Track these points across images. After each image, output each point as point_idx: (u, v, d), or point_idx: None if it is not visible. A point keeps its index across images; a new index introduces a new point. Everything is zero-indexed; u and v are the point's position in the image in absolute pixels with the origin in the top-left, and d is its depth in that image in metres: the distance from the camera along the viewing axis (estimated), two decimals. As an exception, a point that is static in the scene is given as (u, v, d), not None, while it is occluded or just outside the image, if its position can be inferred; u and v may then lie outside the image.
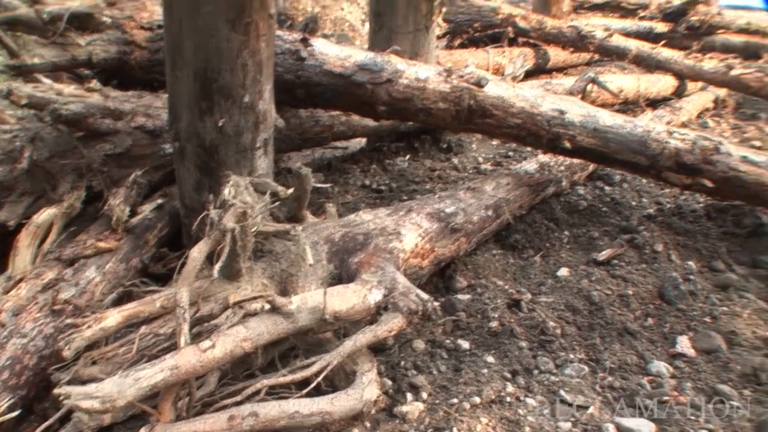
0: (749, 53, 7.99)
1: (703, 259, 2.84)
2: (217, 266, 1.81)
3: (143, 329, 1.86)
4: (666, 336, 2.33)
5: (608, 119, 2.75)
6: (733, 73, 5.09)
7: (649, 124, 2.84)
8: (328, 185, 3.50)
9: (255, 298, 1.76)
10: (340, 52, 2.93)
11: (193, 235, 2.08)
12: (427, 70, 2.91)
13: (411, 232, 2.39)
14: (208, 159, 2.24)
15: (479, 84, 2.72)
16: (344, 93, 2.91)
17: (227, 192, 1.95)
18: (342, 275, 2.24)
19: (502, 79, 2.90)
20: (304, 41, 2.89)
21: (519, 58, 4.10)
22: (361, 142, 4.48)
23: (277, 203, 2.18)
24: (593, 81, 3.47)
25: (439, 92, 2.81)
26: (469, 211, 2.65)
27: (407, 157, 4.18)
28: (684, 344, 2.27)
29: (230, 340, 1.62)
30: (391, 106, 2.90)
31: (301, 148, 3.81)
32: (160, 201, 2.57)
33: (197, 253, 1.86)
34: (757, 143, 4.78)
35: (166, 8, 2.08)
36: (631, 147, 2.73)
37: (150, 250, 2.48)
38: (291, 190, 2.20)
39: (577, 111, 2.74)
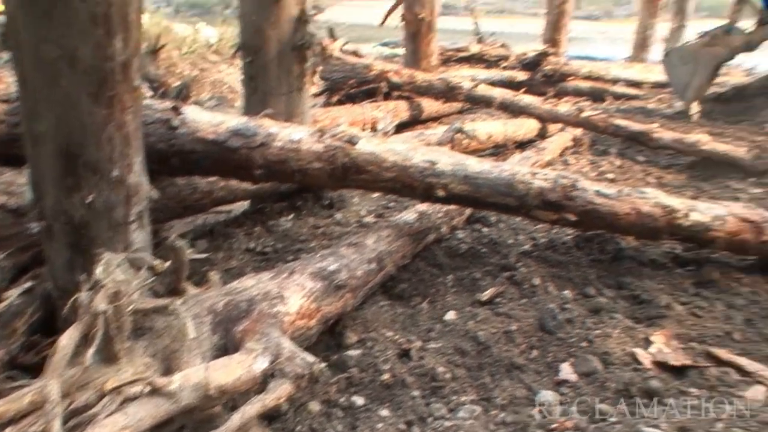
0: (596, 96, 8.90)
1: (577, 287, 3.04)
2: (90, 351, 1.70)
3: (9, 431, 1.70)
4: (550, 365, 2.44)
5: (477, 166, 2.92)
6: (584, 115, 5.61)
7: (514, 167, 3.04)
8: (204, 256, 3.41)
9: (133, 381, 1.67)
10: (212, 119, 2.92)
11: (65, 318, 1.95)
12: (301, 132, 2.96)
13: (295, 294, 2.38)
14: (79, 237, 2.13)
15: (351, 142, 2.80)
16: (219, 159, 2.89)
17: (99, 271, 1.86)
18: (228, 345, 2.18)
19: (373, 135, 3.00)
20: (175, 109, 2.85)
21: (389, 114, 4.26)
22: (244, 204, 4.43)
23: (155, 278, 2.10)
24: (460, 131, 3.68)
25: (313, 152, 2.86)
26: (352, 267, 2.67)
27: (291, 216, 4.17)
28: (566, 370, 2.39)
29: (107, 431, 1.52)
30: (268, 168, 2.91)
31: (181, 216, 3.72)
32: (29, 284, 2.39)
33: (67, 340, 1.74)
34: (611, 175, 5.26)
35: (20, 81, 1.98)
36: (500, 190, 2.90)
37: (19, 339, 2.27)
38: (168, 264, 2.13)
39: (447, 160, 2.89)
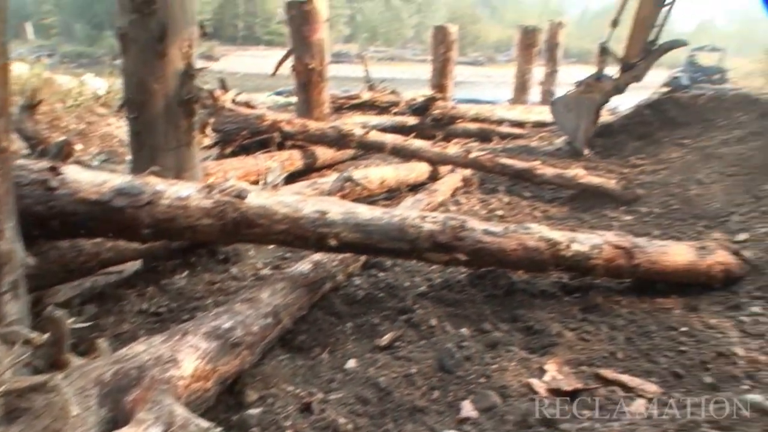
0: (484, 137, 9.38)
1: (473, 324, 3.14)
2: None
3: None
4: (451, 404, 2.49)
5: (367, 213, 2.98)
6: (472, 156, 5.90)
7: (404, 212, 3.13)
8: (90, 323, 3.22)
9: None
10: (95, 178, 2.80)
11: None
12: (189, 188, 2.90)
13: (189, 356, 2.29)
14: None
15: (241, 196, 2.78)
16: (104, 220, 2.77)
17: (-37, 352, 1.72)
18: (118, 418, 2.05)
19: (263, 188, 3.00)
20: (53, 170, 2.71)
21: (278, 166, 4.28)
22: (136, 264, 4.24)
23: (32, 352, 1.97)
24: (349, 180, 3.74)
25: (202, 208, 2.81)
26: (248, 323, 2.62)
27: (185, 273, 4.04)
28: (467, 408, 2.44)
29: None
30: (156, 227, 2.82)
31: (67, 280, 3.50)
32: None
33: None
34: (500, 212, 5.53)
35: None
36: (391, 235, 2.97)
37: None
38: (47, 336, 2.00)
39: (337, 210, 2.93)
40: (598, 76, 8.16)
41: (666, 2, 7.68)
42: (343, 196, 4.77)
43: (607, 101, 8.27)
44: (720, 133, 7.41)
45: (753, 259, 3.74)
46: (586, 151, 7.67)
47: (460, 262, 3.17)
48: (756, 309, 3.29)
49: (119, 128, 10.58)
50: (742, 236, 4.56)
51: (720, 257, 3.62)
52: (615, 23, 8.23)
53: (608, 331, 3.09)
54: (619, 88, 8.16)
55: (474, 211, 5.64)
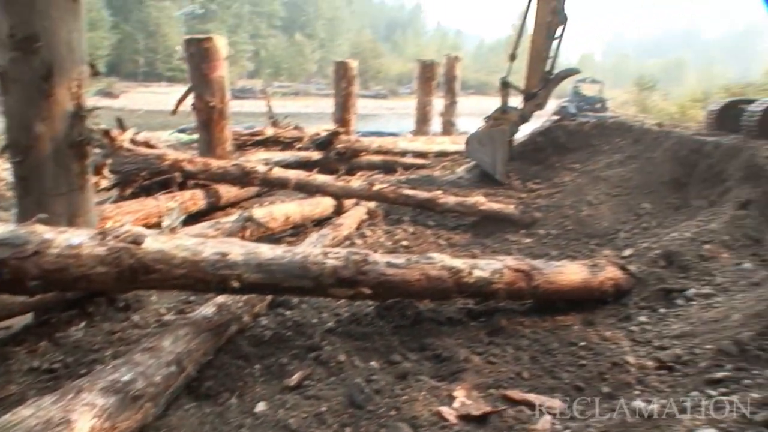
0: (388, 168, 9.58)
1: (383, 356, 3.17)
2: None
3: None
4: (361, 441, 2.50)
5: (269, 252, 2.96)
6: (375, 188, 6.02)
7: (307, 249, 3.14)
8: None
9: None
10: (-27, 229, 2.63)
11: None
12: (81, 235, 2.78)
13: (84, 415, 2.17)
14: None
15: (137, 242, 2.69)
16: (-16, 274, 2.60)
17: None
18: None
19: (160, 232, 2.92)
20: None
21: (176, 209, 4.17)
22: (27, 317, 3.97)
23: None
24: (249, 220, 3.71)
25: (95, 256, 2.70)
26: (149, 374, 2.52)
27: (83, 324, 3.82)
28: (379, 443, 2.47)
29: None
30: (44, 278, 2.67)
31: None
32: None
33: None
34: (405, 242, 5.65)
35: None
36: (294, 273, 2.97)
37: None
38: None
39: (238, 251, 2.89)
40: (504, 109, 8.72)
41: (555, 36, 8.33)
42: (248, 236, 4.72)
43: (516, 131, 8.86)
44: (604, 157, 8.00)
45: (637, 273, 4.05)
46: (507, 179, 8.05)
47: (365, 296, 3.21)
48: (643, 318, 3.57)
49: (5, 170, 9.93)
50: (627, 251, 4.93)
51: (610, 273, 3.89)
52: (513, 57, 8.90)
53: (513, 352, 3.23)
54: (524, 117, 8.85)
55: (380, 242, 5.72)
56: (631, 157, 7.52)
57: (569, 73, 9.84)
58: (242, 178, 6.38)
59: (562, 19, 8.37)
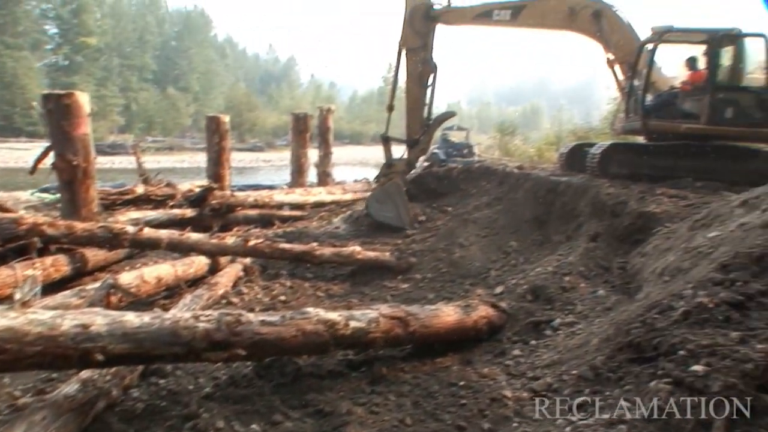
0: (265, 222, 9.51)
1: (264, 418, 3.11)
2: None
3: None
4: None
5: (136, 321, 2.83)
6: (251, 244, 5.96)
7: (177, 314, 3.04)
8: None
9: None
10: None
11: None
12: None
13: None
14: None
15: (-19, 321, 2.48)
16: None
17: None
18: None
19: (9, 307, 2.71)
20: None
21: (30, 279, 3.89)
22: None
23: None
24: (113, 287, 3.54)
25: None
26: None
27: None
28: None
29: None
30: None
31: None
32: None
33: None
34: (283, 297, 5.62)
35: None
36: (164, 340, 2.85)
37: None
38: None
39: (102, 321, 2.74)
40: (390, 163, 9.08)
41: (428, 84, 8.98)
42: (117, 303, 4.47)
43: (406, 179, 9.20)
44: (473, 200, 8.49)
45: (508, 309, 4.31)
46: (411, 228, 8.26)
47: (240, 357, 3.14)
48: (516, 351, 3.79)
49: None
50: (498, 289, 5.24)
51: (482, 312, 4.11)
52: (390, 108, 9.32)
53: (396, 399, 3.29)
54: (411, 164, 9.38)
55: (257, 299, 5.63)
56: (497, 199, 8.04)
57: (447, 115, 10.60)
58: (111, 240, 6.04)
59: (433, 68, 8.98)
